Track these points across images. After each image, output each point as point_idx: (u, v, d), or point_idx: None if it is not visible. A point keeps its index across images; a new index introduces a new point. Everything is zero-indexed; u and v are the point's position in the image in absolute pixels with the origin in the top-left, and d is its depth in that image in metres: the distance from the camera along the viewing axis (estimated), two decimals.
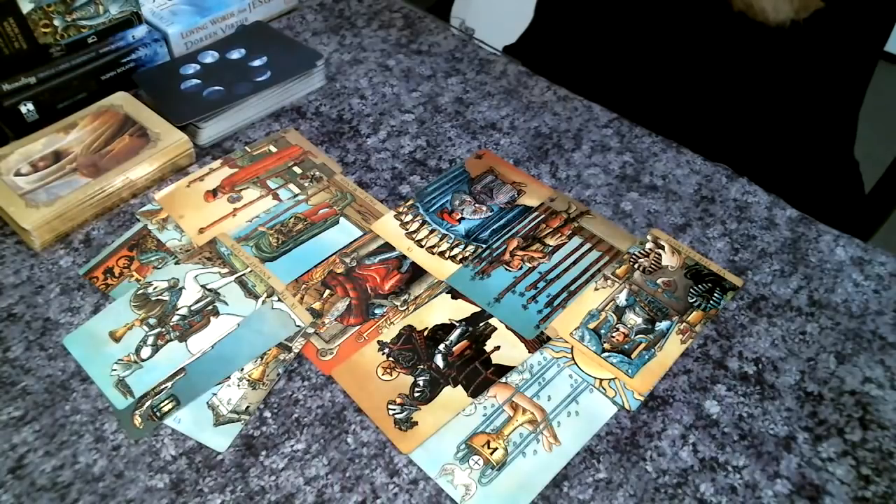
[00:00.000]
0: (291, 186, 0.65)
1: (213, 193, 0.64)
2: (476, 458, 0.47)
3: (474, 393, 0.51)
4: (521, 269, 0.59)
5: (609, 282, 0.58)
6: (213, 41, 0.79)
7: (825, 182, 0.81)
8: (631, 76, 0.82)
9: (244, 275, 0.58)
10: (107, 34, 0.71)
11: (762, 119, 0.79)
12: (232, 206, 0.63)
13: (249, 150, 0.69)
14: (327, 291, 0.57)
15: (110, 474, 0.46)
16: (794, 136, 0.79)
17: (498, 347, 0.53)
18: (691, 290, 0.57)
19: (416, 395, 0.50)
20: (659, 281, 0.58)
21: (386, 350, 0.53)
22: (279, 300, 0.56)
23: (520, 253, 0.60)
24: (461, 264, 0.59)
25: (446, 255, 0.60)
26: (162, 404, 0.49)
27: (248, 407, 0.50)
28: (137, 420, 0.49)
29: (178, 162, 0.66)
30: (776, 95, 0.77)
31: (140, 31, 0.74)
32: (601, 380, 0.52)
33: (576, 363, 0.53)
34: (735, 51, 0.74)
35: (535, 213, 0.63)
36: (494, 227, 0.62)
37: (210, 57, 0.76)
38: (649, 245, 0.61)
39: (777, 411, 0.50)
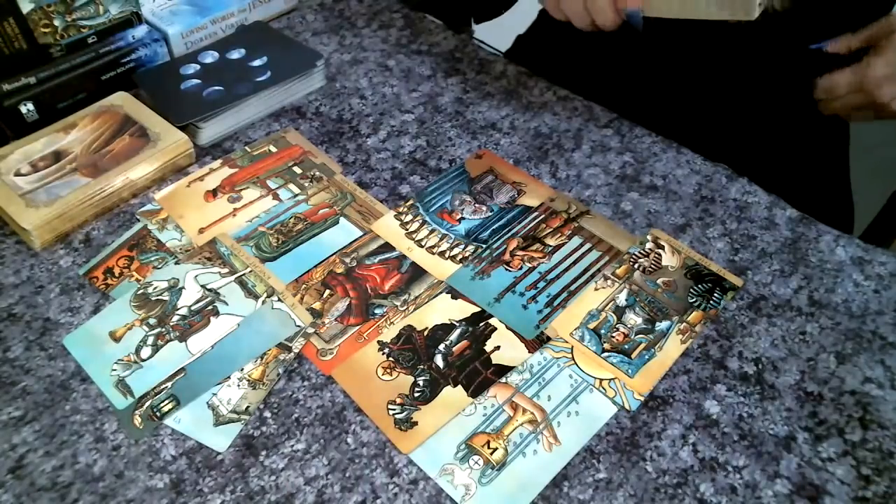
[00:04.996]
0: (291, 186, 0.65)
1: (213, 193, 0.64)
2: (476, 458, 0.47)
3: (474, 393, 0.51)
4: (521, 269, 0.59)
5: (609, 282, 0.58)
6: (213, 41, 0.79)
7: (821, 186, 0.81)
8: (631, 76, 0.82)
9: (244, 275, 0.58)
10: (107, 34, 0.71)
11: (762, 119, 0.79)
12: (232, 206, 0.63)
13: (249, 150, 0.69)
14: (327, 291, 0.57)
15: (110, 474, 0.46)
16: (793, 136, 0.79)
17: (498, 347, 0.53)
18: (691, 290, 0.57)
19: (416, 395, 0.50)
20: (659, 281, 0.58)
21: (386, 350, 0.53)
22: (279, 300, 0.56)
23: (520, 253, 0.60)
24: (461, 264, 0.59)
25: (446, 255, 0.60)
26: (162, 404, 0.49)
27: (248, 407, 0.50)
28: (137, 420, 0.49)
29: (178, 162, 0.66)
30: (776, 96, 0.77)
31: (140, 31, 0.74)
32: (601, 380, 0.52)
33: (576, 363, 0.53)
34: (735, 51, 0.74)
35: (535, 213, 0.63)
36: (494, 227, 0.62)
37: (210, 57, 0.76)
38: (649, 245, 0.61)
39: (777, 411, 0.50)
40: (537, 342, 0.54)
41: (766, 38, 0.69)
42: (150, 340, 0.53)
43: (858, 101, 0.67)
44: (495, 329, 0.55)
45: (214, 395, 0.50)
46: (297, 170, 0.67)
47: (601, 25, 0.61)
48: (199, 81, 0.72)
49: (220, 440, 0.48)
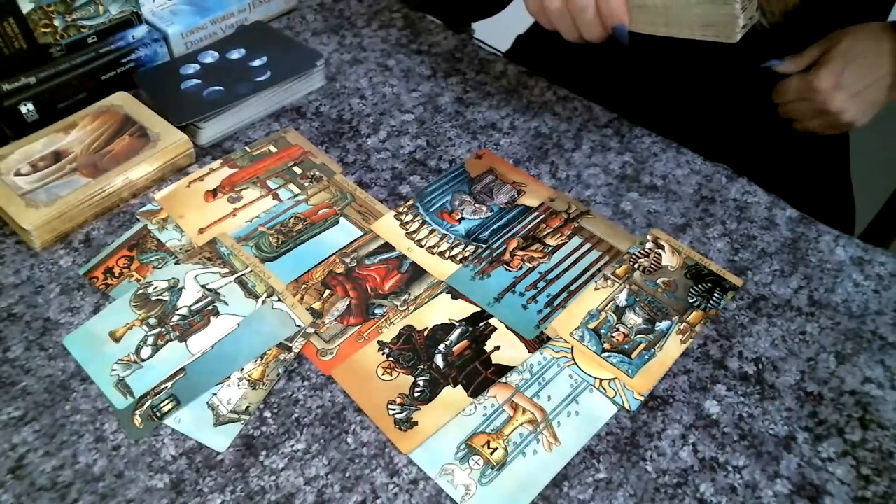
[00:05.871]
0: (291, 186, 0.65)
1: (213, 193, 0.64)
2: (476, 458, 0.47)
3: (474, 393, 0.51)
4: (521, 269, 0.59)
5: (609, 282, 0.58)
6: (213, 41, 0.79)
7: (823, 187, 0.82)
8: (631, 76, 0.82)
9: (244, 275, 0.58)
10: (107, 34, 0.71)
11: (762, 120, 0.79)
12: (232, 206, 0.63)
13: (249, 150, 0.69)
14: (327, 291, 0.57)
15: (110, 474, 0.46)
16: (794, 136, 0.79)
17: (498, 347, 0.53)
18: (691, 290, 0.57)
19: (416, 395, 0.50)
20: (659, 281, 0.58)
21: (386, 350, 0.53)
22: (279, 300, 0.56)
23: (520, 253, 0.60)
24: (461, 264, 0.59)
25: (446, 255, 0.60)
26: (162, 404, 0.49)
27: (248, 407, 0.50)
28: (137, 420, 0.49)
29: (178, 162, 0.66)
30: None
31: (140, 31, 0.74)
32: (601, 380, 0.52)
33: (576, 363, 0.53)
34: (734, 51, 0.74)
35: (535, 213, 0.63)
36: (494, 227, 0.62)
37: (210, 57, 0.76)
38: (649, 245, 0.61)
39: (777, 411, 0.50)
40: (537, 342, 0.54)
41: (766, 40, 0.69)
42: (150, 340, 0.53)
43: (805, 108, 0.69)
44: (495, 329, 0.55)
45: (214, 395, 0.50)
46: (297, 170, 0.67)
47: (589, 39, 0.62)
48: (199, 81, 0.72)
49: (220, 440, 0.48)
